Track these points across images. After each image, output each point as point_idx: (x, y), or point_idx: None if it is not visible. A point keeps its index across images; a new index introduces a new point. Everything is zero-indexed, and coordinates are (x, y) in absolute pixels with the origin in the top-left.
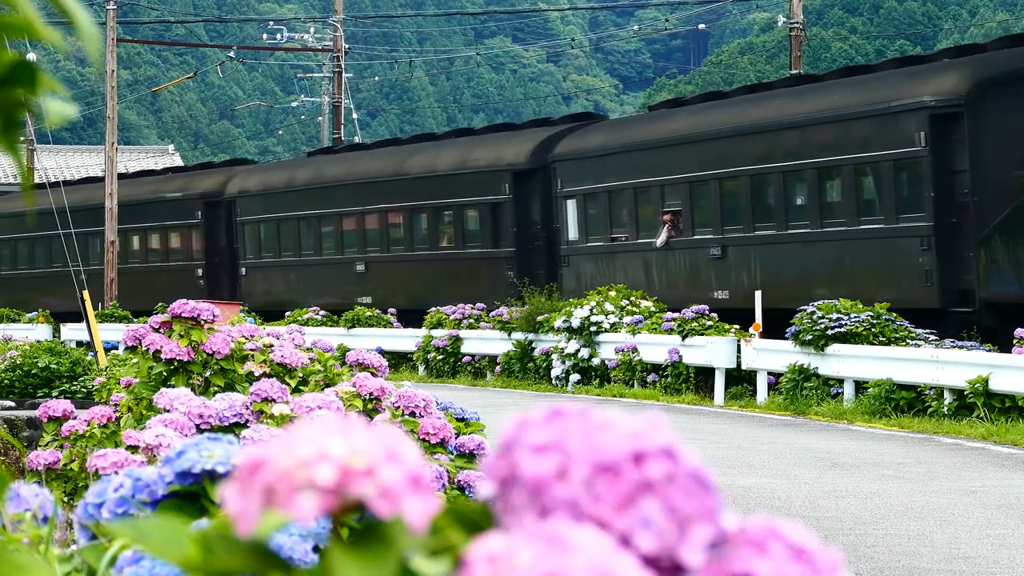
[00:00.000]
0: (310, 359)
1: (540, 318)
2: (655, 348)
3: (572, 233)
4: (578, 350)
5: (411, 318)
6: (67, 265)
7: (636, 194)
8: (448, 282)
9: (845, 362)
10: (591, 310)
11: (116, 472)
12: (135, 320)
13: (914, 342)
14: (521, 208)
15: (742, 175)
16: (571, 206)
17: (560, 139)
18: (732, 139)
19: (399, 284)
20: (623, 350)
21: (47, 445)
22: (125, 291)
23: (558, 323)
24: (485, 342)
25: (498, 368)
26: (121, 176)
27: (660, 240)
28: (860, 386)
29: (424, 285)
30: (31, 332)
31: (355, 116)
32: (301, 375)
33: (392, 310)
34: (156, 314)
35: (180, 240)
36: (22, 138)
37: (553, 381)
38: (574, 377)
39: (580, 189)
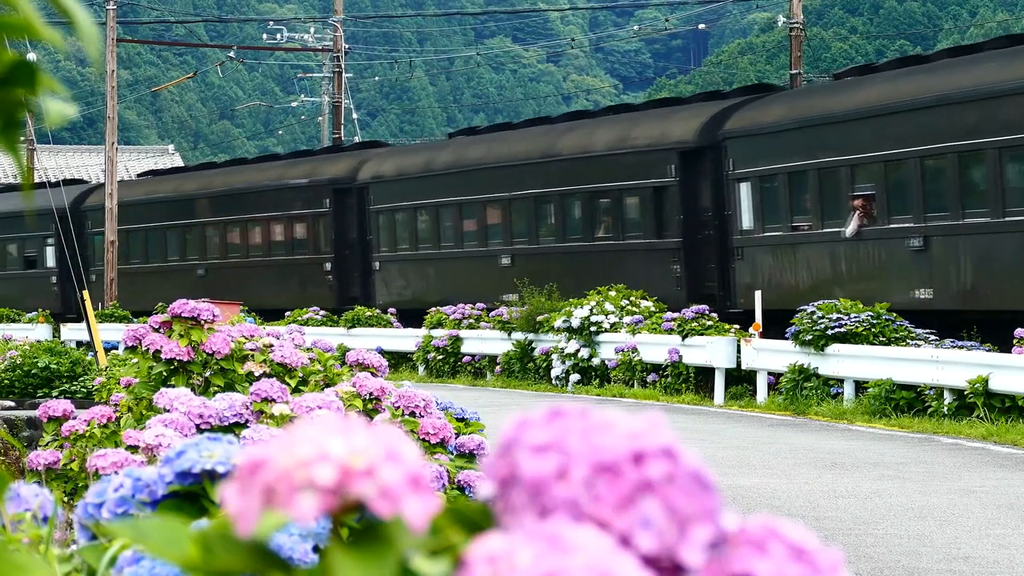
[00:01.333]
0: (310, 359)
1: (540, 318)
2: (655, 348)
3: (746, 221)
4: (578, 350)
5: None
6: (185, 259)
7: (820, 175)
8: (604, 278)
9: (845, 362)
10: (591, 310)
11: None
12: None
13: (914, 342)
14: (688, 192)
15: (948, 152)
16: (744, 190)
17: (732, 113)
18: (936, 110)
19: (549, 280)
20: (623, 350)
21: (47, 445)
22: (249, 288)
23: (558, 323)
24: (485, 342)
25: (498, 368)
26: (243, 161)
27: (849, 229)
28: (860, 386)
29: (576, 280)
30: (31, 332)
31: (355, 116)
32: (301, 375)
33: (391, 310)
34: (156, 314)
35: (307, 231)
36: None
37: (553, 381)
38: (574, 377)
39: (755, 170)
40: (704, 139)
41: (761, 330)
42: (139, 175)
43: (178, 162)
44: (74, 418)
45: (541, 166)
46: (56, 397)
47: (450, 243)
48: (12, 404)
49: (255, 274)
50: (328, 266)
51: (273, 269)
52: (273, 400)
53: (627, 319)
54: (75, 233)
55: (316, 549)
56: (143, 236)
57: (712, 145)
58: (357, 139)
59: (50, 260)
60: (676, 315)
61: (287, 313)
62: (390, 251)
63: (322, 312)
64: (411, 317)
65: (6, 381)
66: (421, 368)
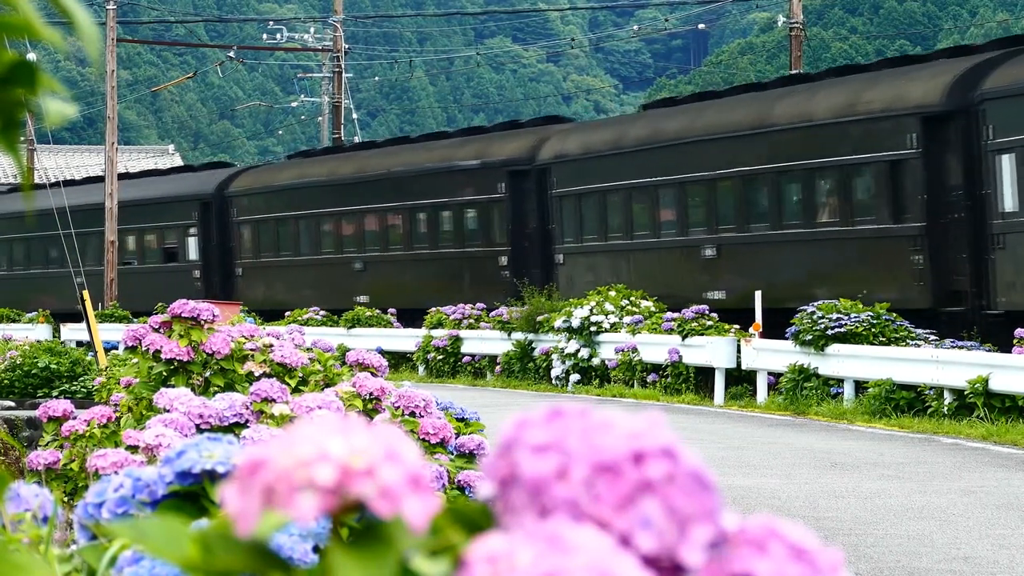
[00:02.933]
0: (310, 359)
1: (540, 318)
2: (655, 348)
3: (1009, 202)
4: (578, 350)
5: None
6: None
7: None
8: (826, 272)
9: (845, 362)
10: (591, 310)
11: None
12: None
13: (914, 342)
14: (933, 166)
15: None
16: (1007, 163)
17: (990, 70)
18: None
19: (759, 276)
20: (623, 350)
21: (47, 445)
22: (413, 284)
23: (558, 323)
24: (485, 342)
25: (498, 368)
26: (405, 139)
27: None
28: (860, 386)
29: (793, 277)
30: (31, 332)
31: (355, 116)
32: (301, 375)
33: (392, 309)
34: (157, 314)
35: (478, 220)
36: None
37: (553, 381)
38: (574, 377)
39: (1022, 139)
40: (953, 102)
41: (761, 330)
42: (289, 156)
43: (178, 162)
44: (74, 418)
45: (752, 139)
46: (56, 397)
47: (645, 231)
48: (12, 404)
49: (420, 268)
50: (504, 260)
51: (440, 263)
52: (273, 400)
53: (627, 319)
54: (219, 221)
55: (316, 549)
56: (294, 225)
57: (963, 109)
58: (357, 139)
59: (192, 252)
60: (676, 315)
61: (450, 312)
62: (575, 242)
63: (322, 312)
64: None
65: (6, 381)
66: (421, 368)
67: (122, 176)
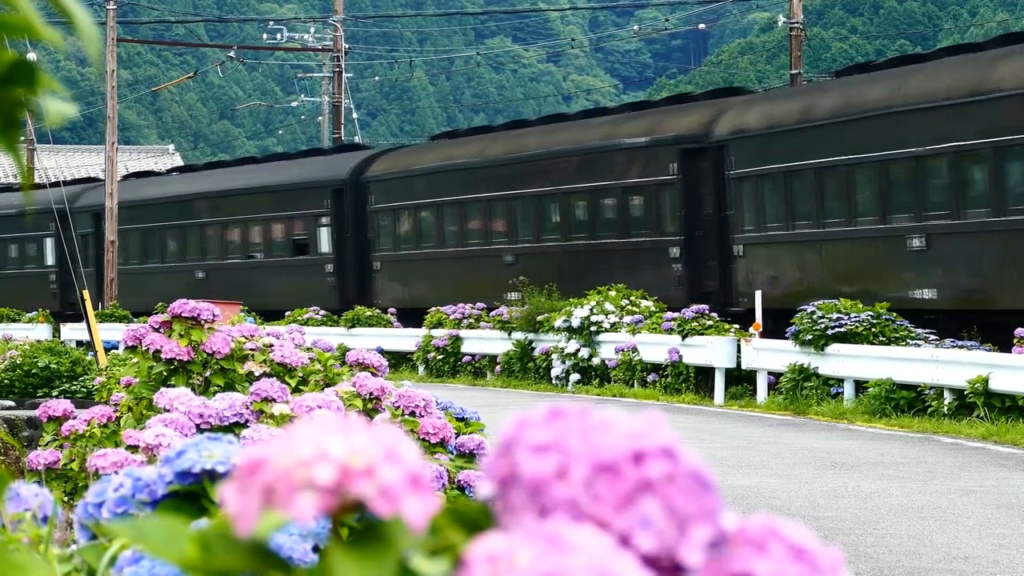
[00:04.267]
0: (310, 359)
1: (540, 318)
2: (655, 348)
3: None
4: (578, 350)
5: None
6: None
7: None
8: None
9: (845, 362)
10: (591, 310)
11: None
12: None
13: (914, 342)
14: None
15: None
16: None
17: None
18: None
19: (973, 271)
20: (623, 350)
21: (47, 445)
22: (574, 278)
23: (558, 323)
24: (485, 342)
25: (498, 368)
26: (562, 117)
27: None
28: (860, 386)
29: (989, 276)
30: (31, 332)
31: (355, 116)
32: (301, 375)
33: (392, 309)
34: (156, 314)
35: (646, 205)
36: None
37: (553, 381)
38: (574, 377)
39: None
40: None
41: (761, 329)
42: (433, 137)
43: (178, 162)
44: (74, 418)
45: (964, 108)
46: (56, 397)
47: (838, 220)
48: (12, 404)
49: (579, 262)
50: (675, 251)
51: (602, 256)
52: (273, 400)
53: (627, 319)
54: (354, 210)
55: (316, 549)
56: (438, 213)
57: None
58: (357, 139)
59: (324, 244)
60: (676, 315)
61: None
62: (756, 230)
63: (322, 312)
64: (784, 317)
65: (6, 381)
66: (421, 368)
67: (246, 160)
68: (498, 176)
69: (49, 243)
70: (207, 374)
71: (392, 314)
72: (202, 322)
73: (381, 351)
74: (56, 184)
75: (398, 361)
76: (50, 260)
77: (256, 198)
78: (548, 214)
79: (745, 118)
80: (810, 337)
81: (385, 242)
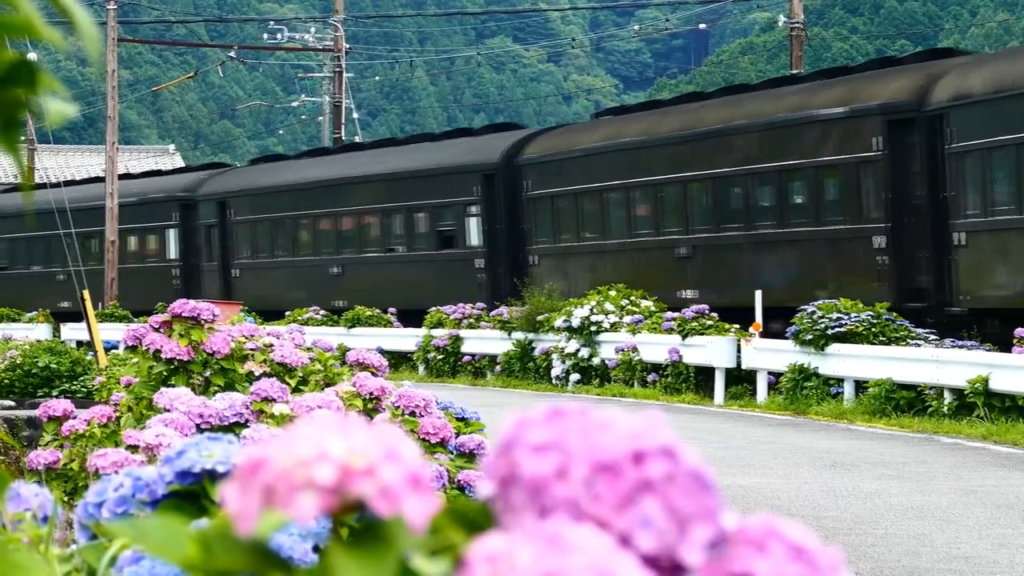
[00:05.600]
0: (310, 359)
1: (540, 318)
2: (655, 348)
3: None
4: (578, 350)
5: None
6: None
7: None
8: None
9: (845, 362)
10: (591, 309)
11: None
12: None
13: (914, 342)
14: None
15: None
16: None
17: None
18: None
19: None
20: (623, 350)
21: (47, 445)
22: (743, 281)
23: (558, 323)
24: (485, 342)
25: (498, 368)
26: (742, 87)
27: None
28: (860, 386)
29: None
30: (31, 332)
31: (356, 116)
32: (301, 375)
33: (392, 309)
34: (157, 314)
35: (844, 186)
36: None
37: (553, 381)
38: (574, 377)
39: None
40: None
41: (761, 329)
42: (596, 114)
43: (179, 162)
44: (74, 418)
45: None
46: (56, 397)
47: None
48: (12, 404)
49: (763, 254)
50: (880, 241)
51: (793, 247)
52: (273, 400)
53: (627, 319)
54: (506, 197)
55: (316, 549)
56: (599, 200)
57: None
58: (357, 139)
59: (474, 236)
60: (676, 315)
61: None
62: (982, 215)
63: (322, 312)
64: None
65: (6, 381)
66: (421, 368)
67: (386, 142)
68: (670, 156)
69: (171, 234)
70: (207, 374)
71: (392, 314)
72: (202, 322)
73: (381, 351)
74: (127, 176)
75: (398, 361)
76: (173, 253)
77: (396, 185)
78: (727, 199)
79: (968, 82)
80: (810, 337)
81: (543, 233)
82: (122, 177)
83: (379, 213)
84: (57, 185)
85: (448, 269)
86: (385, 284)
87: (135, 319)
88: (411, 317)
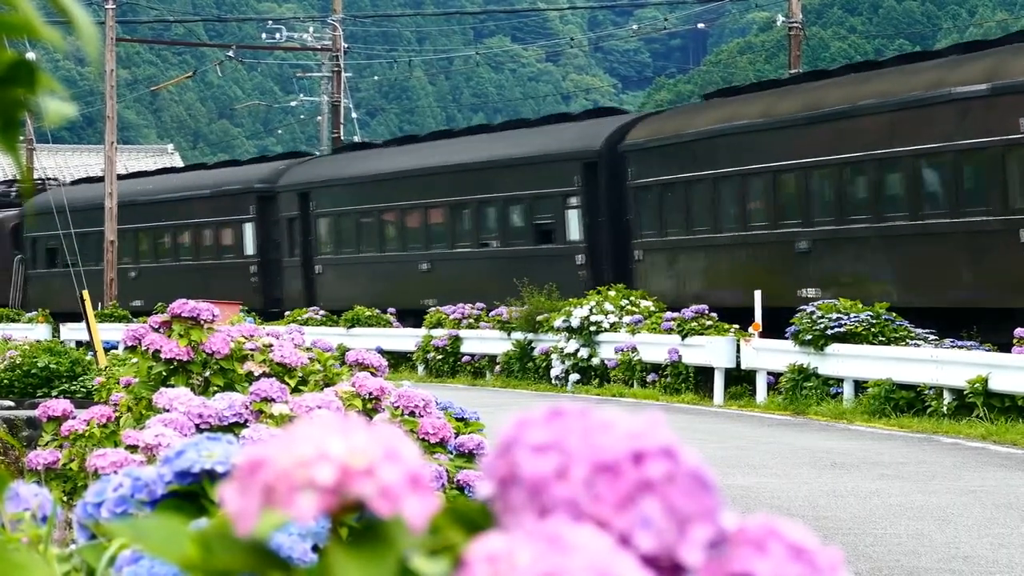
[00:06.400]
0: (309, 359)
1: (539, 318)
2: (655, 348)
3: None
4: (577, 350)
5: None
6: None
7: None
8: None
9: (845, 362)
10: (590, 310)
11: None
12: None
13: (913, 342)
14: None
15: None
16: None
17: None
18: None
19: None
20: (623, 350)
21: (46, 445)
22: (872, 278)
23: (558, 323)
24: (485, 342)
25: (497, 368)
26: (872, 64)
27: None
28: (860, 386)
29: None
30: (30, 332)
31: (354, 115)
32: (300, 375)
33: (391, 309)
34: (156, 314)
35: (983, 174)
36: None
37: (553, 381)
38: (573, 377)
39: None
40: None
41: (761, 329)
42: (706, 95)
43: (177, 162)
44: (73, 418)
45: None
46: (56, 397)
47: None
48: (12, 404)
49: (894, 250)
50: None
51: (927, 241)
52: (272, 400)
53: (626, 319)
54: (609, 187)
55: (315, 548)
56: (710, 189)
57: None
58: (356, 139)
59: (573, 231)
60: (676, 315)
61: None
62: None
63: (322, 312)
64: None
65: (5, 381)
66: (421, 368)
67: (479, 129)
68: (789, 140)
69: (248, 228)
70: (207, 374)
71: (392, 313)
72: (201, 322)
73: (380, 351)
74: (135, 175)
75: (398, 361)
76: (250, 249)
77: (490, 174)
78: (853, 188)
79: None
80: (810, 337)
81: (648, 226)
82: (194, 168)
83: (472, 205)
84: (136, 176)
85: (546, 265)
86: (477, 281)
87: None
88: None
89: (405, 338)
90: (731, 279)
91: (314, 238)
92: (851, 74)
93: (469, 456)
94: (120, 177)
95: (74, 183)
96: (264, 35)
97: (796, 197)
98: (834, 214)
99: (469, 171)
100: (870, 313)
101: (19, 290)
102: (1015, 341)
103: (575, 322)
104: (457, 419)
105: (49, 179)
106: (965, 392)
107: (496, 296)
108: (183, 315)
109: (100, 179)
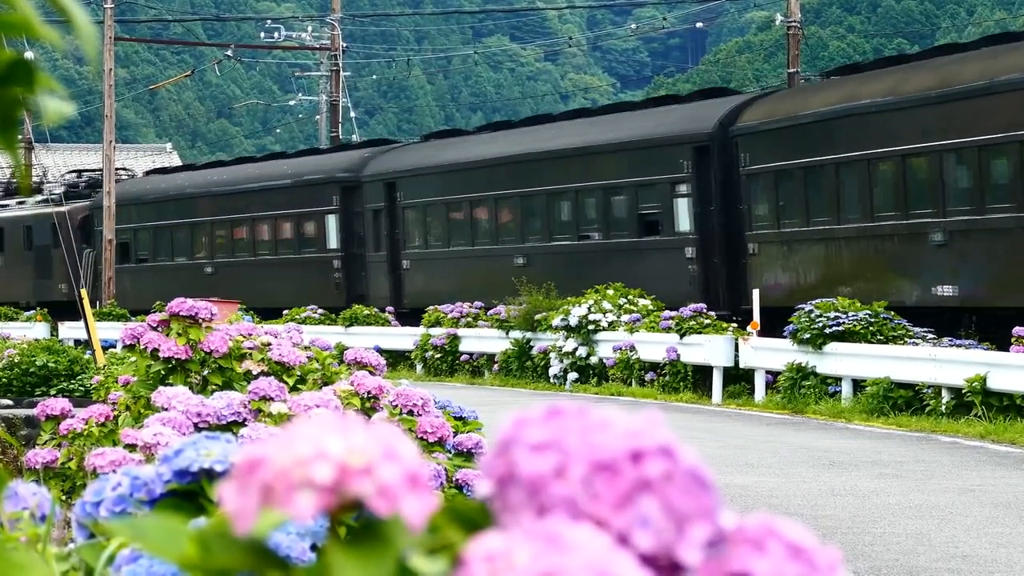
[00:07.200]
0: (308, 357)
1: (538, 316)
2: (653, 346)
3: None
4: (576, 348)
5: None
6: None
7: None
8: None
9: (843, 361)
10: (589, 308)
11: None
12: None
13: (912, 340)
14: None
15: None
16: None
17: None
18: None
19: None
20: (621, 348)
21: (45, 444)
22: (1002, 276)
23: (556, 321)
24: (483, 340)
25: (496, 367)
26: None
27: None
28: (858, 384)
29: None
30: (29, 331)
31: (353, 115)
32: (299, 374)
33: (390, 308)
34: (154, 312)
35: None
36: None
37: (551, 379)
38: (572, 375)
39: None
40: None
41: (759, 328)
42: (825, 73)
43: (176, 161)
44: (72, 417)
45: None
46: (54, 396)
47: None
48: (10, 403)
49: (996, 241)
50: None
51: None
52: (271, 399)
53: (625, 317)
54: (721, 174)
55: (314, 547)
56: (832, 175)
57: None
58: (355, 138)
59: (683, 221)
60: (674, 313)
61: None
62: None
63: (320, 311)
64: None
65: (4, 379)
66: (419, 367)
67: (578, 112)
68: (919, 120)
69: (331, 221)
70: (205, 373)
71: (390, 312)
72: (200, 321)
73: (379, 350)
74: (280, 156)
75: (396, 360)
76: (333, 243)
77: (590, 161)
78: (991, 173)
79: None
80: (808, 336)
81: (762, 216)
82: (273, 157)
83: (570, 194)
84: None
85: (652, 259)
86: (577, 276)
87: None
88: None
89: (403, 337)
90: (854, 274)
91: (401, 231)
92: (987, 48)
93: (467, 455)
94: (195, 167)
95: (147, 174)
96: (263, 34)
97: (929, 184)
98: (972, 202)
99: (567, 158)
100: (868, 312)
101: (89, 285)
102: (1013, 340)
103: (573, 321)
104: (455, 418)
105: (120, 169)
106: (963, 391)
107: (626, 277)
108: (181, 314)
109: (175, 170)
